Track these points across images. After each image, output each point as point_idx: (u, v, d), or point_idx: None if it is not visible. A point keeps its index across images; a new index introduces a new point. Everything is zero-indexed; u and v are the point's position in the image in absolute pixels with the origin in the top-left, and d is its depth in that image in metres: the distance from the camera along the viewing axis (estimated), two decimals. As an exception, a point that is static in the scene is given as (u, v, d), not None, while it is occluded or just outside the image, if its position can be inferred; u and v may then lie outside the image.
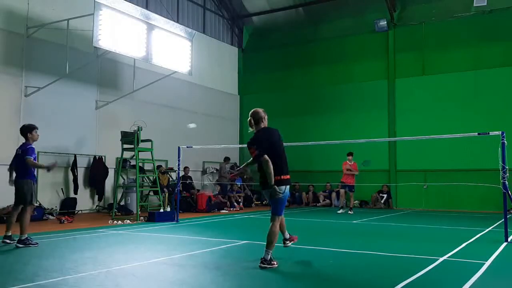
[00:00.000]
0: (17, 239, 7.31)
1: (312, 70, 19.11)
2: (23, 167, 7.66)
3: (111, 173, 14.26)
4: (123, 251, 6.92)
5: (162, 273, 5.36)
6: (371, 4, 17.78)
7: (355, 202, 17.17)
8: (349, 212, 13.93)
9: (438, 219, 12.19)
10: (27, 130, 7.84)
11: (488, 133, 8.55)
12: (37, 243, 7.34)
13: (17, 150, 7.92)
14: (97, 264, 5.72)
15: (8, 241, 7.40)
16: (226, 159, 17.30)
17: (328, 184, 17.76)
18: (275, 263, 5.52)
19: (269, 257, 5.48)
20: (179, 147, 11.85)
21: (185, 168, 15.31)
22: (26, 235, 7.30)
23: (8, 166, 11.36)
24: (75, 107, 13.41)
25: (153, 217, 11.16)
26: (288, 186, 5.68)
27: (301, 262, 6.15)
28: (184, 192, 14.77)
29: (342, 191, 14.41)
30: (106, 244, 7.61)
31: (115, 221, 10.85)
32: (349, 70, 18.35)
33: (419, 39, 17.00)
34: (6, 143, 11.74)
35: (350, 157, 14.14)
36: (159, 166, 14.42)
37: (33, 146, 7.78)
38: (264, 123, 5.85)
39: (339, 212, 13.98)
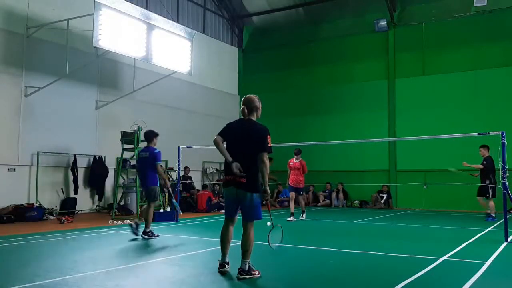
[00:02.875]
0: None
1: (312, 70, 19.11)
2: (152, 171, 8.09)
3: (111, 173, 14.26)
4: (123, 251, 6.92)
5: (162, 273, 5.36)
6: (371, 4, 17.78)
7: (355, 202, 17.22)
8: (300, 217, 11.73)
9: (438, 219, 12.19)
10: (153, 135, 8.27)
11: (488, 133, 8.56)
12: (158, 235, 7.96)
13: (140, 154, 8.35)
14: (97, 264, 5.72)
15: (145, 236, 7.90)
16: None
17: (328, 184, 17.77)
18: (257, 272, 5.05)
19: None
20: (179, 147, 11.85)
21: (185, 168, 15.31)
22: (150, 228, 7.97)
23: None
24: (75, 107, 13.41)
25: (153, 217, 11.13)
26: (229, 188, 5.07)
27: (301, 262, 6.15)
28: (184, 192, 14.77)
29: (292, 194, 11.91)
30: (106, 244, 7.61)
31: (115, 221, 10.85)
32: (349, 70, 18.35)
33: (419, 39, 17.00)
34: (6, 143, 11.75)
35: (296, 156, 11.86)
36: (159, 166, 14.40)
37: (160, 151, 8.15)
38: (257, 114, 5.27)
39: (289, 219, 11.38)
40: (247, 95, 5.31)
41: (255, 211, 5.00)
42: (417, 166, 16.40)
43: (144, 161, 8.16)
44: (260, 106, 5.28)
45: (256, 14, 20.25)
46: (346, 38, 18.46)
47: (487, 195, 11.56)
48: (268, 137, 5.00)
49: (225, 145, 5.16)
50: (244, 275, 4.93)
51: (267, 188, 5.04)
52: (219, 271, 5.12)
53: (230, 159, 4.96)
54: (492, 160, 11.53)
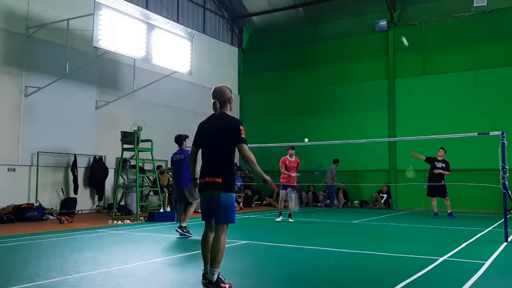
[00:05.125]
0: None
1: (312, 70, 19.11)
2: (187, 171, 8.28)
3: (111, 173, 14.26)
4: (123, 251, 6.92)
5: (162, 273, 5.36)
6: (371, 4, 17.78)
7: (355, 202, 17.21)
8: (289, 219, 11.17)
9: (438, 219, 12.18)
10: (183, 138, 8.97)
11: (488, 133, 8.55)
12: (191, 235, 8.28)
13: (174, 156, 8.96)
14: (97, 264, 5.72)
15: (180, 231, 8.38)
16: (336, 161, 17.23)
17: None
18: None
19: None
20: (179, 147, 11.81)
21: (185, 168, 15.30)
22: (185, 224, 8.40)
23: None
24: (75, 107, 13.41)
25: (153, 217, 11.16)
26: (203, 192, 4.60)
27: (301, 262, 6.15)
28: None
29: (282, 192, 11.45)
30: (106, 244, 7.61)
31: (115, 221, 10.85)
32: (349, 70, 18.34)
33: (419, 39, 16.99)
34: (6, 143, 11.75)
35: (292, 151, 11.47)
36: (159, 166, 14.42)
37: None
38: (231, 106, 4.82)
39: (277, 220, 11.10)
40: (217, 87, 4.84)
41: (228, 211, 4.43)
42: (417, 166, 16.36)
43: (180, 163, 8.77)
44: (233, 96, 4.85)
45: (256, 14, 20.25)
46: (346, 38, 18.46)
47: (446, 195, 12.76)
48: (241, 127, 4.56)
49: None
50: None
51: (266, 176, 4.56)
52: (202, 283, 4.46)
53: (194, 176, 4.89)
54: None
